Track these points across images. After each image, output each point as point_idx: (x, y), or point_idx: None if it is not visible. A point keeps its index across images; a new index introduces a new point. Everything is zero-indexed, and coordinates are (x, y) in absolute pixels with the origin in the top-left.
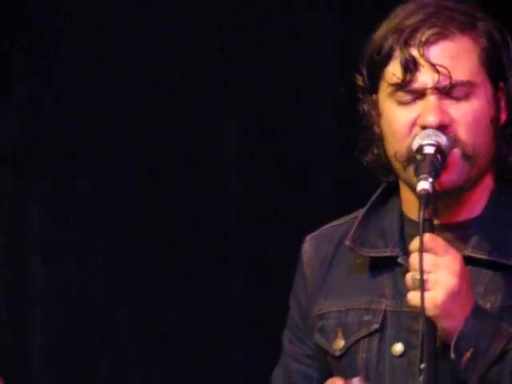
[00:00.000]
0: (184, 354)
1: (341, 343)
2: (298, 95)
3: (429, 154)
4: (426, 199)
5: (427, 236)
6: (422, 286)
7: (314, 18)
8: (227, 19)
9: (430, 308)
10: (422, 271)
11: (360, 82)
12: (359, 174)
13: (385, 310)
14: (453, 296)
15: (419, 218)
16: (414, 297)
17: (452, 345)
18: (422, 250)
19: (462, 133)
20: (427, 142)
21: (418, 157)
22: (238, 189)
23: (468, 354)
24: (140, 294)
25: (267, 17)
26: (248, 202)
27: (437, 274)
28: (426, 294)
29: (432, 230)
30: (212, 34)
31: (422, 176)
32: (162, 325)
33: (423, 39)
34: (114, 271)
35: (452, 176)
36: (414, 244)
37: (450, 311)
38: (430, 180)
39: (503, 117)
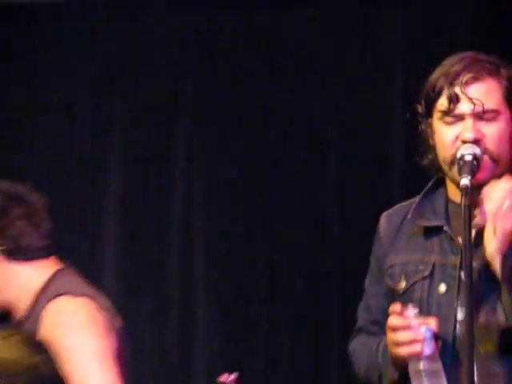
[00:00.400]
0: None
1: (403, 284)
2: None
3: (468, 161)
4: (466, 191)
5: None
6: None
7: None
8: None
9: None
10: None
11: (420, 110)
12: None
13: (434, 263)
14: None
15: (461, 203)
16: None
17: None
18: (469, 226)
19: (490, 145)
20: (467, 153)
21: (461, 162)
22: None
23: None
24: None
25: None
26: None
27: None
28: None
29: (470, 212)
30: None
31: (464, 175)
32: None
33: (463, 81)
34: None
35: (483, 175)
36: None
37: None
38: (469, 178)
39: None
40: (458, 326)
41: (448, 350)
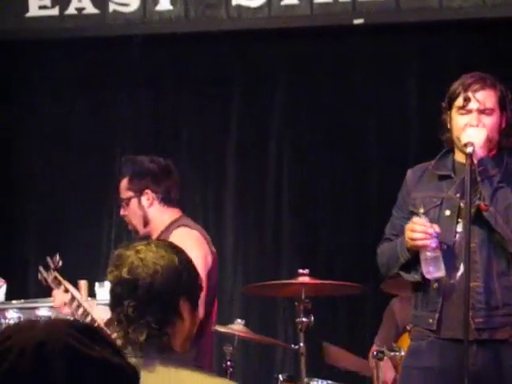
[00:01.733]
0: None
1: (421, 209)
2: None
3: (470, 142)
4: (470, 156)
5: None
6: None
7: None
8: None
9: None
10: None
11: (444, 105)
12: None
13: (443, 197)
14: (488, 139)
15: (467, 163)
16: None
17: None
18: (470, 174)
19: (487, 130)
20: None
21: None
22: None
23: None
24: None
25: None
26: None
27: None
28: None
29: (472, 169)
30: None
31: (469, 147)
32: None
33: (473, 89)
34: None
35: (482, 148)
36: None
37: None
38: (471, 148)
39: (503, 124)
40: (457, 235)
41: (449, 248)
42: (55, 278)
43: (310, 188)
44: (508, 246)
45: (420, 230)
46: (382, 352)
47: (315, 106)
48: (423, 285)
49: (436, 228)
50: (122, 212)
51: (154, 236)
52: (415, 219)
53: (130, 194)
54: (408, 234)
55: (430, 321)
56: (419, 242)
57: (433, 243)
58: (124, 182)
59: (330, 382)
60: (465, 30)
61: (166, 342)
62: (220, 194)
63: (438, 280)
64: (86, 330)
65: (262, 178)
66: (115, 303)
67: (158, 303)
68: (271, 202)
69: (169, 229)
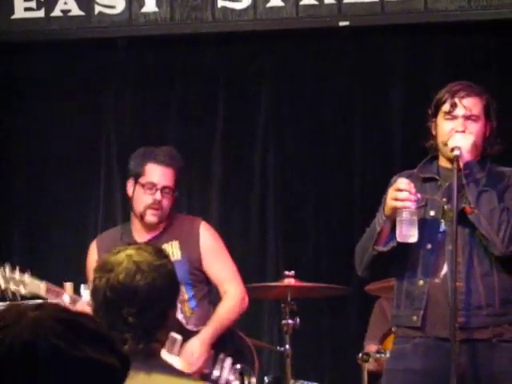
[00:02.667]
0: None
1: None
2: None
3: (457, 147)
4: (457, 157)
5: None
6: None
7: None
8: None
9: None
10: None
11: (429, 112)
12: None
13: (427, 198)
14: (474, 144)
15: (454, 167)
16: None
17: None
18: (456, 177)
19: (474, 135)
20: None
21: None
22: None
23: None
24: None
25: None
26: None
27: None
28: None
29: (458, 171)
30: None
31: (455, 151)
32: None
33: (460, 96)
34: None
35: (468, 153)
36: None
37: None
38: (459, 151)
39: (487, 133)
40: (440, 234)
41: (434, 248)
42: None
43: (296, 190)
44: (492, 249)
45: (404, 187)
46: (368, 354)
47: (301, 108)
48: (408, 283)
49: (418, 195)
50: (159, 197)
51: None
52: (400, 179)
53: (174, 185)
54: (391, 193)
55: (414, 318)
56: (399, 203)
57: (412, 205)
58: (173, 172)
59: (315, 383)
60: (450, 33)
61: (156, 348)
62: (205, 196)
63: (423, 279)
64: (74, 325)
65: (247, 180)
66: (109, 309)
67: (156, 309)
68: (256, 203)
69: (183, 222)
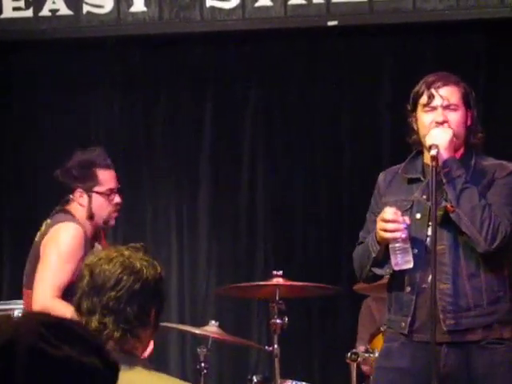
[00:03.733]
0: None
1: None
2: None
3: (434, 144)
4: (433, 157)
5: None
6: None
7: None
8: None
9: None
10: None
11: (409, 107)
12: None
13: (413, 200)
14: (453, 138)
15: (431, 165)
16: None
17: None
18: (435, 177)
19: (453, 125)
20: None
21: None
22: None
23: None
24: None
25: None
26: None
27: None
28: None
29: (436, 169)
30: None
31: (433, 149)
32: None
33: (436, 86)
34: None
35: (446, 150)
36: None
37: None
38: (436, 151)
39: (469, 122)
40: (428, 239)
41: (420, 252)
42: None
43: (284, 190)
44: (476, 247)
45: (391, 218)
46: (356, 353)
47: (289, 107)
48: (397, 288)
49: (406, 219)
50: (120, 199)
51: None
52: (386, 209)
53: None
54: (379, 224)
55: (403, 324)
56: (389, 235)
57: (403, 234)
58: (115, 173)
59: (304, 383)
60: (438, 32)
61: (134, 344)
62: (194, 196)
63: (411, 284)
64: (58, 328)
65: (235, 179)
66: (92, 294)
67: (138, 301)
68: (245, 203)
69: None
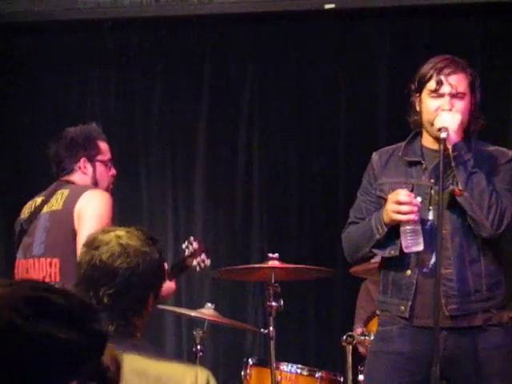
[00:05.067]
0: None
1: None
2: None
3: (444, 127)
4: (443, 140)
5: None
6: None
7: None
8: None
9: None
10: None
11: (413, 87)
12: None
13: (412, 184)
14: (462, 123)
15: (441, 149)
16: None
17: (451, 145)
18: (443, 160)
19: (460, 114)
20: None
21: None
22: None
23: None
24: None
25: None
26: None
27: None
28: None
29: (446, 155)
30: None
31: (443, 132)
32: None
33: (446, 73)
34: None
35: (455, 133)
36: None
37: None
38: (446, 133)
39: (472, 108)
40: (428, 223)
41: (424, 234)
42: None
43: (280, 172)
44: (480, 231)
45: (405, 200)
46: (352, 336)
47: (285, 90)
48: (395, 271)
49: (418, 201)
50: (115, 171)
51: None
52: (400, 191)
53: None
54: (392, 206)
55: (402, 308)
56: (403, 217)
57: (415, 216)
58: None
59: (299, 365)
60: (435, 15)
61: (131, 331)
62: (189, 178)
63: (412, 267)
64: (39, 302)
65: (231, 162)
66: (89, 286)
67: (133, 294)
68: (241, 185)
69: None
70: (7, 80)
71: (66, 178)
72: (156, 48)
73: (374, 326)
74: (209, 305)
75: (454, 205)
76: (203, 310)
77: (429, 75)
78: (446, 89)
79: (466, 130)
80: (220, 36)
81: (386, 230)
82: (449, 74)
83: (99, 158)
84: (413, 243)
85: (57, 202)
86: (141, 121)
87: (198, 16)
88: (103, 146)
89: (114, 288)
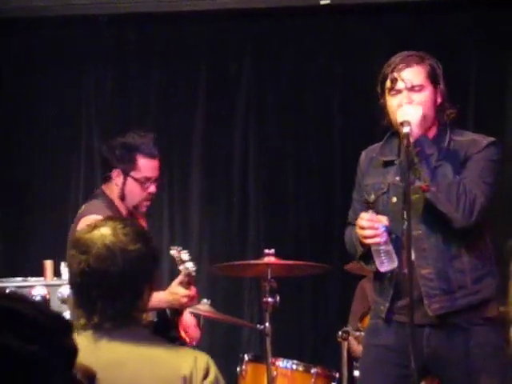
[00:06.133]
0: None
1: (372, 197)
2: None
3: (406, 121)
4: (406, 135)
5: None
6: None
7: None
8: None
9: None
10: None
11: (378, 90)
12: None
13: (389, 183)
14: (424, 116)
15: (404, 144)
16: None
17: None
18: (407, 158)
19: (422, 106)
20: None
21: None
22: None
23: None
24: None
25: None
26: None
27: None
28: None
29: (408, 149)
30: None
31: (405, 126)
32: None
33: (399, 68)
34: None
35: (418, 127)
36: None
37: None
38: (408, 128)
39: (438, 100)
40: (405, 223)
41: (398, 237)
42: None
43: (276, 169)
44: (453, 223)
45: (367, 226)
46: (347, 332)
47: (281, 86)
48: (378, 273)
49: (384, 221)
50: (155, 189)
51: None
52: (362, 215)
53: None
54: (358, 231)
55: (382, 308)
56: (369, 240)
57: (382, 238)
58: (159, 162)
59: (295, 361)
60: (432, 11)
61: (131, 322)
62: (186, 174)
63: (391, 271)
64: (6, 314)
65: (228, 158)
66: (81, 291)
67: (127, 291)
68: (238, 181)
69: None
70: (2, 75)
71: (102, 184)
72: (153, 44)
73: (368, 321)
74: (205, 300)
75: (427, 203)
76: (199, 306)
77: (384, 74)
78: (400, 84)
79: (440, 121)
80: (216, 31)
81: (362, 249)
82: (401, 69)
83: (133, 173)
84: (386, 263)
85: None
86: (137, 116)
87: (195, 12)
88: (143, 162)
89: (105, 291)
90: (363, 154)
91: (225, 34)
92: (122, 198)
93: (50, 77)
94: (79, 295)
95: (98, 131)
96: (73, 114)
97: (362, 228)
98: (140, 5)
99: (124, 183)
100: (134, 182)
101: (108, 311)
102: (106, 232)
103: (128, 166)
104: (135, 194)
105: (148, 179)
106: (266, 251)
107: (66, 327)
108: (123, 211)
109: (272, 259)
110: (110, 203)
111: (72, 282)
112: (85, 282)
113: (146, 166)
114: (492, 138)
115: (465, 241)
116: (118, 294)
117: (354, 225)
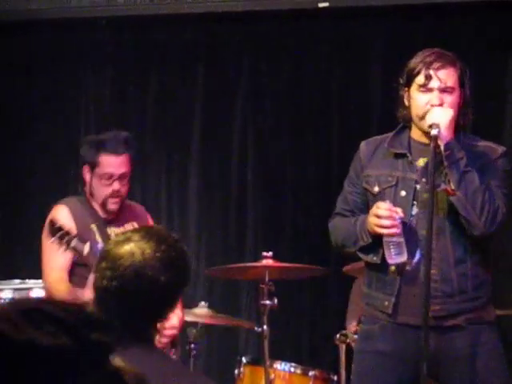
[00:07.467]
0: None
1: (376, 188)
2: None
3: (435, 123)
4: (434, 137)
5: None
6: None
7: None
8: None
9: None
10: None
11: (401, 81)
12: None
13: (397, 176)
14: (452, 120)
15: (432, 146)
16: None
17: (444, 144)
18: (434, 157)
19: (450, 108)
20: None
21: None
22: None
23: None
24: None
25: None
26: None
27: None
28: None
29: (437, 152)
30: None
31: (434, 129)
32: None
33: (435, 67)
34: None
35: (447, 130)
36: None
37: (450, 125)
38: (437, 130)
39: (461, 102)
40: (412, 218)
41: (405, 230)
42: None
43: (274, 171)
44: (472, 229)
45: (387, 215)
46: (345, 335)
47: (279, 89)
48: (378, 267)
49: (400, 212)
50: (119, 186)
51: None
52: (380, 204)
53: (130, 170)
54: (374, 220)
55: (386, 303)
56: (384, 231)
57: (397, 229)
58: (127, 158)
59: (293, 364)
60: (430, 14)
61: (145, 343)
62: (184, 176)
63: (398, 264)
64: (29, 312)
65: (226, 160)
66: (101, 307)
67: (148, 314)
68: (235, 183)
69: (131, 205)
70: (0, 78)
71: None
72: (150, 47)
73: None
74: (203, 303)
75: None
76: (197, 309)
77: (417, 69)
78: (435, 83)
79: (456, 125)
80: (214, 34)
81: (370, 240)
82: (438, 69)
83: (96, 170)
84: (396, 255)
85: None
86: (135, 119)
87: (193, 14)
88: (106, 159)
89: (125, 311)
90: (363, 144)
91: (223, 36)
92: (92, 194)
93: (47, 80)
94: (99, 311)
95: (97, 133)
96: (71, 117)
97: (379, 217)
98: (138, 8)
99: (90, 180)
100: (97, 179)
101: (124, 332)
102: (136, 251)
103: (92, 163)
104: (100, 190)
105: (111, 176)
106: (264, 254)
107: (97, 324)
108: (98, 209)
109: (270, 262)
110: (86, 200)
111: (95, 299)
112: (106, 299)
113: (109, 162)
114: (503, 147)
115: (471, 246)
116: (137, 316)
117: (344, 215)
